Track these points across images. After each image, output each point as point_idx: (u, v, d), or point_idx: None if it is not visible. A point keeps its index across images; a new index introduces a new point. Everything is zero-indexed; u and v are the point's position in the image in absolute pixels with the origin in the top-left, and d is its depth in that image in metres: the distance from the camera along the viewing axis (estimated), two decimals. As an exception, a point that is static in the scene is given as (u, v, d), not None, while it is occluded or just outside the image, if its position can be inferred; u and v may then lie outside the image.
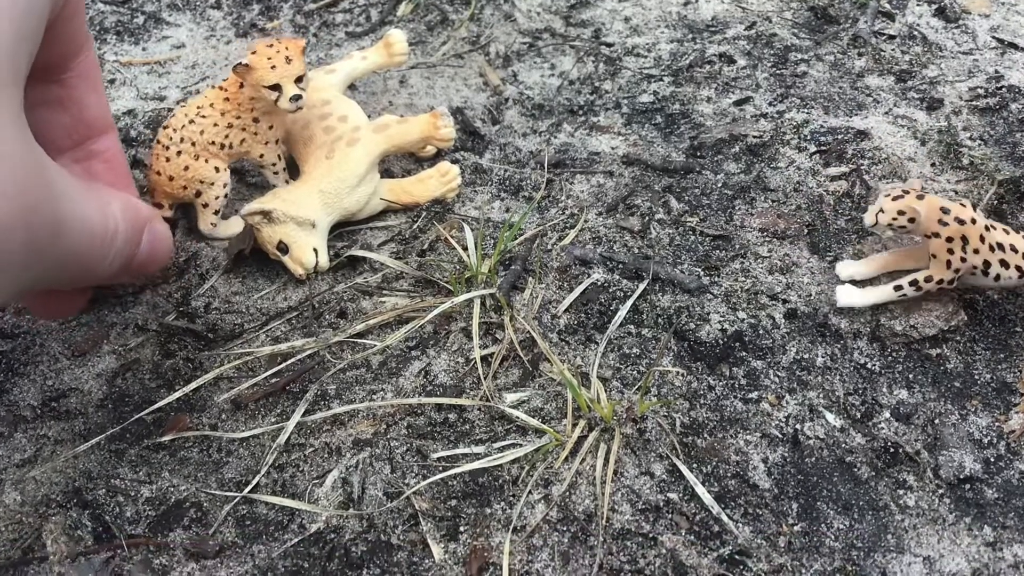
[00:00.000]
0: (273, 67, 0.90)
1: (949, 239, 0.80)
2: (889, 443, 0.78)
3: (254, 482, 0.77)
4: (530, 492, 0.75)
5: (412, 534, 0.73)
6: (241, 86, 0.92)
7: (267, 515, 0.75)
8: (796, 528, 0.73)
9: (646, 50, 1.27)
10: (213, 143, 0.93)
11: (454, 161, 1.06)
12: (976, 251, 0.81)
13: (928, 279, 0.83)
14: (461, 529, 0.73)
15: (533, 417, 0.80)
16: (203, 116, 0.93)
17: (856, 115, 1.10)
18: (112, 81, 1.25)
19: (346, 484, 0.77)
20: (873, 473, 0.77)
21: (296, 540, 0.73)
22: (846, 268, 0.90)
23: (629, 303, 0.89)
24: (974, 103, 1.11)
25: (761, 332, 0.87)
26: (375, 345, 0.87)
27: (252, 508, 0.76)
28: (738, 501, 0.75)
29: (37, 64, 0.65)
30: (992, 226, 0.82)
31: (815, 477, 0.76)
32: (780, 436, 0.79)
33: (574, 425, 0.79)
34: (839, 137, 1.06)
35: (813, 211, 0.98)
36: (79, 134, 0.78)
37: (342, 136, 0.97)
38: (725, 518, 0.73)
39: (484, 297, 0.89)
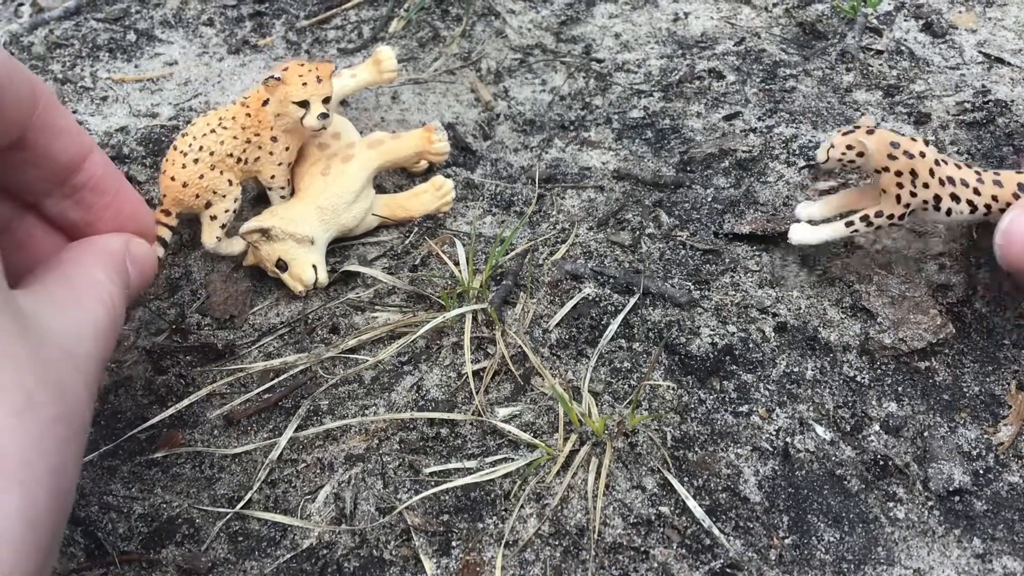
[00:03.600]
0: (304, 84, 0.91)
1: (899, 173, 0.81)
2: (879, 456, 0.79)
3: (246, 498, 0.77)
4: (522, 506, 0.75)
5: (404, 549, 0.73)
6: (264, 103, 0.92)
7: (259, 531, 0.76)
8: (787, 541, 0.73)
9: (636, 66, 1.28)
10: (231, 155, 0.93)
11: (445, 176, 1.06)
12: (926, 185, 0.81)
13: (879, 214, 0.83)
14: (453, 544, 0.73)
15: (525, 431, 0.80)
16: (224, 127, 0.92)
17: (844, 130, 1.11)
18: (105, 98, 1.25)
19: (338, 499, 0.77)
20: (863, 486, 0.77)
21: (288, 556, 0.73)
22: (805, 208, 0.90)
23: (620, 317, 0.89)
24: (961, 117, 1.12)
25: (751, 346, 0.87)
26: (367, 360, 0.87)
27: (244, 524, 0.76)
28: (729, 514, 0.75)
29: None
30: (944, 160, 0.82)
31: (805, 490, 0.77)
32: (771, 449, 0.79)
33: (566, 439, 0.79)
34: (828, 151, 1.07)
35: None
36: (57, 177, 0.74)
37: (337, 153, 0.98)
38: (716, 531, 0.73)
39: (476, 312, 0.89)
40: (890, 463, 0.78)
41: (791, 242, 0.88)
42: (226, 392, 0.86)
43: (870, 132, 0.82)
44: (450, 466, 0.79)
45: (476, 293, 0.91)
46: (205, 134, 0.92)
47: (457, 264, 0.95)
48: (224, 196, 0.94)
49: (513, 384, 0.85)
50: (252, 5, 1.42)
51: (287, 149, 0.96)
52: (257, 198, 1.07)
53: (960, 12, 1.34)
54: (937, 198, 0.82)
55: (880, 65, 1.24)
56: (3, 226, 0.75)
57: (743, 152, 1.09)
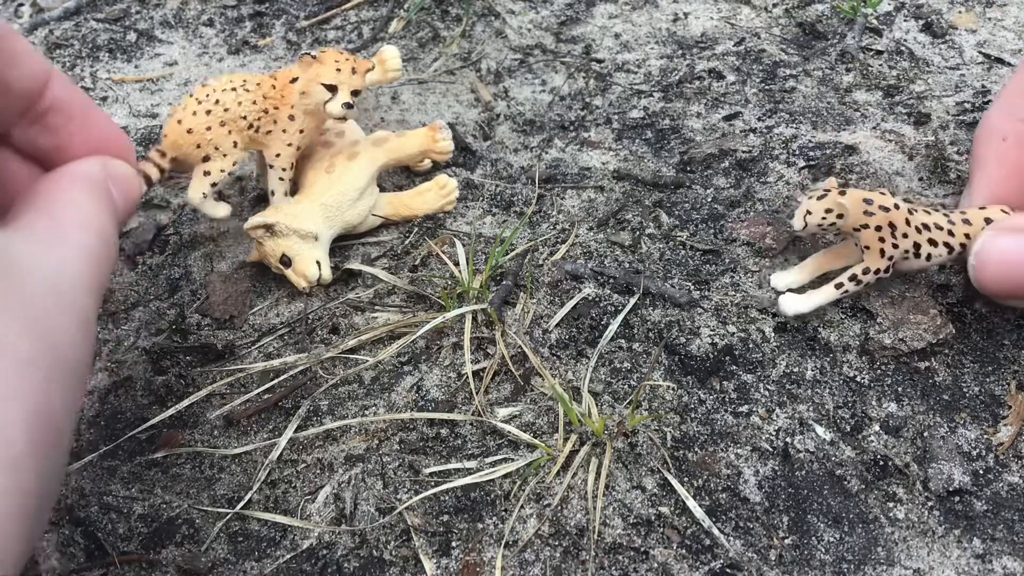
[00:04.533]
0: (338, 69, 0.91)
1: (878, 228, 0.83)
2: (879, 456, 0.79)
3: (246, 498, 0.77)
4: (522, 507, 0.75)
5: (404, 549, 0.73)
6: (292, 80, 0.92)
7: (259, 531, 0.76)
8: (787, 541, 0.73)
9: (636, 66, 1.28)
10: (244, 118, 0.91)
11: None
12: (905, 235, 0.83)
13: (866, 271, 0.85)
14: (453, 544, 0.73)
15: (525, 432, 0.80)
16: (247, 90, 0.91)
17: (844, 130, 1.11)
18: (105, 99, 1.25)
19: (338, 500, 0.77)
20: (863, 486, 0.77)
21: (288, 556, 0.73)
22: (781, 279, 0.91)
23: (620, 317, 0.89)
24: (961, 118, 1.12)
25: (751, 346, 0.87)
26: (367, 360, 0.87)
27: (244, 524, 0.76)
28: (729, 515, 0.75)
29: None
30: (914, 209, 0.85)
31: (805, 490, 0.77)
32: (770, 449, 0.79)
33: (565, 439, 0.79)
34: (827, 152, 1.07)
35: (795, 238, 0.98)
36: (19, 104, 0.71)
37: (341, 150, 0.98)
38: (716, 532, 0.73)
39: (476, 312, 0.89)
40: (890, 463, 0.78)
41: (784, 314, 0.89)
42: (226, 392, 0.86)
43: (842, 192, 0.84)
44: (450, 466, 0.79)
45: (476, 293, 0.91)
46: (225, 90, 0.91)
47: (457, 264, 0.95)
48: (224, 155, 0.92)
49: (513, 384, 0.85)
50: (252, 5, 1.43)
51: (301, 132, 0.95)
52: (257, 199, 1.07)
53: (960, 12, 1.34)
54: (917, 245, 0.84)
55: (880, 65, 1.24)
56: None
57: (743, 152, 1.09)
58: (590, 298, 0.92)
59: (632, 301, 0.91)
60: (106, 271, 0.65)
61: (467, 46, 1.34)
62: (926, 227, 0.84)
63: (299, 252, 0.92)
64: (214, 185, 0.93)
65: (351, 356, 0.88)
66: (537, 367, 0.85)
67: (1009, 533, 0.74)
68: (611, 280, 0.93)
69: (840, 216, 0.83)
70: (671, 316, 0.90)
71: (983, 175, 0.89)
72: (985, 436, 0.80)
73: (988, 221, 0.85)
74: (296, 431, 0.82)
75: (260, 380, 0.87)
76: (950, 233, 0.85)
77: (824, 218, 0.84)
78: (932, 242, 0.84)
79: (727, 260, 0.95)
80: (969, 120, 1.11)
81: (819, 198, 0.84)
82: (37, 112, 0.73)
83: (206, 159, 0.91)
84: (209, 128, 0.90)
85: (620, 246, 0.98)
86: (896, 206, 0.83)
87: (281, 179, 0.98)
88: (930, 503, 0.76)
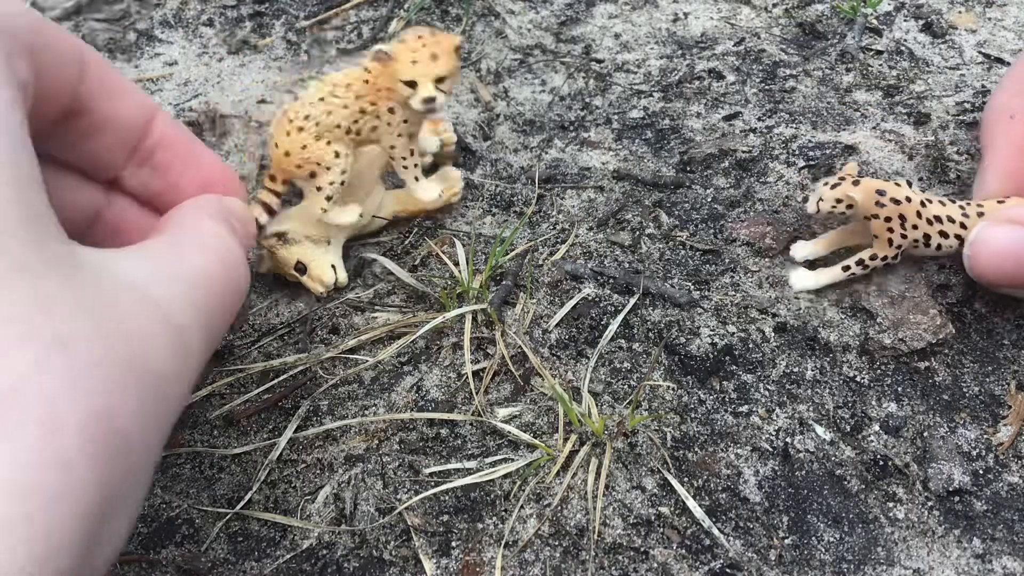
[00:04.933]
0: (414, 62, 0.85)
1: (888, 219, 0.85)
2: (878, 456, 0.79)
3: (246, 498, 0.77)
4: (522, 507, 0.75)
5: (404, 550, 0.73)
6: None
7: (259, 531, 0.76)
8: (787, 541, 0.73)
9: (636, 66, 1.28)
10: (339, 126, 0.87)
11: (446, 177, 1.06)
12: (915, 227, 0.85)
13: (873, 257, 0.88)
14: (453, 544, 0.73)
15: (525, 432, 0.80)
16: (335, 96, 0.87)
17: (844, 130, 1.11)
18: (105, 98, 1.25)
19: (338, 500, 0.77)
20: (863, 486, 0.77)
21: (288, 556, 0.73)
22: (801, 249, 0.93)
23: (620, 318, 0.89)
24: (961, 118, 1.12)
25: (751, 346, 0.87)
26: (367, 360, 0.87)
27: (244, 524, 0.76)
28: (729, 515, 0.75)
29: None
30: (928, 200, 0.86)
31: (805, 490, 0.77)
32: (770, 449, 0.79)
33: (565, 439, 0.79)
34: (827, 152, 1.07)
35: (802, 225, 0.99)
36: (126, 142, 0.72)
37: None
38: (716, 532, 0.73)
39: (475, 312, 0.89)
40: (890, 463, 0.78)
41: (793, 289, 0.92)
42: (226, 392, 0.86)
43: (856, 183, 0.85)
44: (450, 466, 0.79)
45: (476, 293, 0.91)
46: (313, 102, 0.87)
47: (457, 264, 0.95)
48: (330, 168, 0.88)
49: (513, 384, 0.85)
50: (252, 5, 1.42)
51: (406, 122, 0.90)
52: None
53: (960, 12, 1.34)
54: (927, 237, 0.86)
55: (880, 65, 1.24)
56: (94, 213, 0.74)
57: (743, 152, 1.09)
58: (590, 298, 0.92)
59: (632, 301, 0.91)
60: (227, 296, 0.64)
61: (467, 46, 1.34)
62: (938, 219, 0.86)
63: (313, 258, 0.92)
64: (329, 198, 0.90)
65: (351, 356, 0.88)
66: (537, 367, 0.85)
67: (1009, 533, 0.74)
68: (611, 280, 0.93)
69: (850, 206, 0.85)
70: (671, 316, 0.90)
71: (993, 154, 0.90)
72: (985, 436, 0.80)
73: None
74: (296, 431, 0.82)
75: (260, 380, 0.87)
76: (962, 226, 0.86)
77: (835, 206, 0.86)
78: (943, 234, 0.86)
79: (727, 260, 0.95)
80: (969, 120, 1.11)
81: (833, 186, 0.86)
82: (145, 151, 0.73)
83: (313, 175, 0.89)
84: (304, 147, 0.87)
85: (620, 246, 0.98)
86: (908, 199, 0.84)
87: (406, 167, 0.94)
88: (930, 503, 0.76)
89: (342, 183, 0.90)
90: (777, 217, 0.99)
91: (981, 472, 0.78)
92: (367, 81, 0.87)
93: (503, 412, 0.82)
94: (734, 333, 0.88)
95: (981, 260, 0.84)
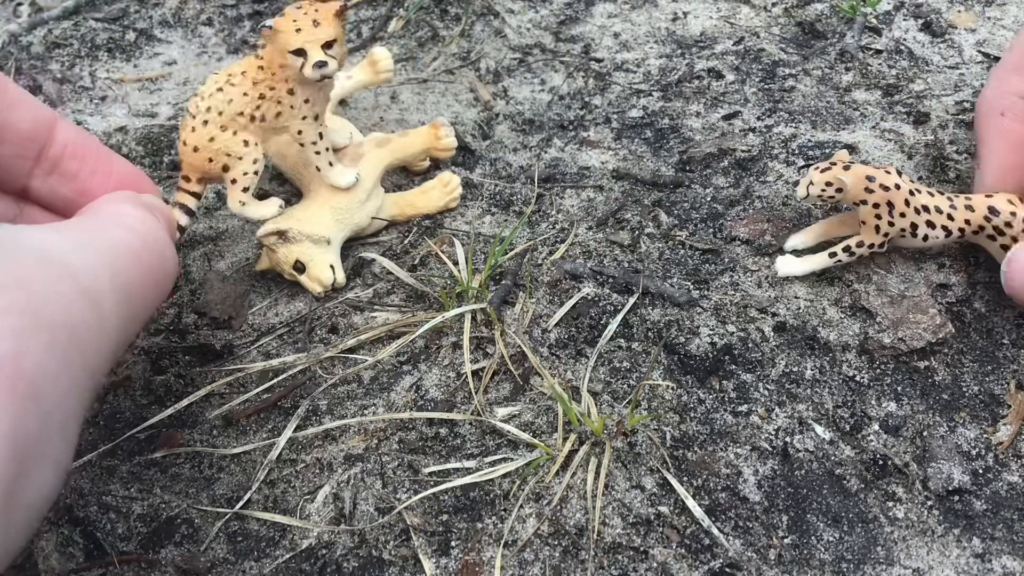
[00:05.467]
0: (298, 30, 0.84)
1: (876, 205, 0.86)
2: (878, 455, 0.79)
3: (245, 498, 0.77)
4: (521, 506, 0.75)
5: (404, 549, 0.73)
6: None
7: (258, 531, 0.76)
8: (786, 541, 0.73)
9: (635, 65, 1.28)
10: (241, 114, 0.87)
11: (445, 176, 1.06)
12: (903, 215, 0.86)
13: (860, 244, 0.89)
14: (452, 544, 0.73)
15: (524, 431, 0.80)
16: (232, 84, 0.87)
17: (844, 129, 1.11)
18: (104, 98, 1.25)
19: (337, 499, 0.77)
20: (862, 485, 0.77)
21: (288, 556, 0.73)
22: (791, 239, 0.94)
23: (619, 317, 0.89)
24: (960, 117, 1.12)
25: (750, 345, 0.87)
26: (366, 360, 0.87)
27: (243, 524, 0.76)
28: (728, 514, 0.75)
29: None
30: (916, 190, 0.87)
31: (805, 490, 0.77)
32: (770, 449, 0.79)
33: (565, 439, 0.79)
34: (827, 151, 1.07)
35: (801, 224, 0.99)
36: (29, 151, 0.72)
37: (346, 153, 0.97)
38: (716, 531, 0.73)
39: (475, 312, 0.89)
40: (889, 463, 0.78)
41: (779, 275, 0.92)
42: (225, 392, 0.86)
43: (846, 168, 0.86)
44: (449, 466, 0.79)
45: (475, 293, 0.91)
46: (212, 93, 0.87)
47: (456, 264, 0.95)
48: (241, 158, 0.88)
49: (512, 384, 0.85)
50: (251, 5, 1.42)
51: (307, 101, 0.89)
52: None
53: (959, 11, 1.34)
54: (914, 226, 0.87)
55: (879, 64, 1.24)
56: (9, 223, 0.74)
57: (742, 151, 1.09)
58: (589, 297, 0.91)
59: (631, 300, 0.91)
60: (150, 272, 0.64)
61: (466, 45, 1.34)
62: (926, 209, 0.87)
63: (312, 257, 0.92)
64: (246, 190, 0.89)
65: (350, 356, 0.88)
66: (536, 367, 0.84)
67: (1008, 532, 0.74)
68: (610, 279, 0.93)
69: (839, 190, 0.86)
70: (670, 315, 0.90)
71: (988, 151, 0.91)
72: (984, 435, 0.80)
73: (992, 209, 0.87)
74: (295, 431, 0.82)
75: (259, 380, 0.87)
76: (950, 217, 0.87)
77: (824, 190, 0.87)
78: (930, 224, 0.87)
79: (726, 259, 0.95)
80: (968, 119, 1.11)
81: (823, 170, 0.87)
82: (51, 160, 0.74)
83: (226, 168, 0.88)
84: (212, 139, 0.87)
85: (619, 245, 0.97)
86: (897, 186, 0.86)
87: (318, 152, 0.93)
88: (929, 502, 0.76)
89: (256, 172, 0.89)
90: (776, 214, 0.99)
91: (981, 471, 0.78)
92: (261, 67, 0.87)
93: (502, 412, 0.82)
94: (733, 332, 0.88)
95: (1017, 278, 0.85)
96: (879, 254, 0.93)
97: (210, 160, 0.87)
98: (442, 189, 1.03)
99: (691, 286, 0.93)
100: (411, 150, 1.02)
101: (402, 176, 1.09)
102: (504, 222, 1.02)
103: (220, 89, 0.87)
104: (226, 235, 1.03)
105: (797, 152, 1.08)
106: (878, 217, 0.86)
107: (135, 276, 0.62)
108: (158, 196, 0.80)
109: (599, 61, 1.30)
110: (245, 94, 0.87)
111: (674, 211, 1.02)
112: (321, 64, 0.85)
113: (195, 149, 0.87)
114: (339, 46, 0.86)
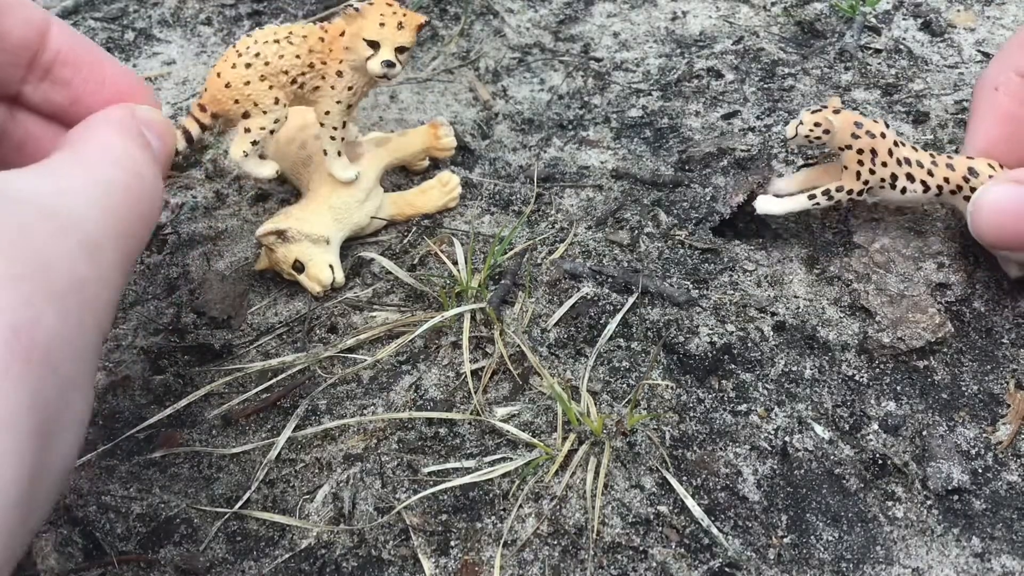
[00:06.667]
0: (382, 24, 0.85)
1: (860, 151, 0.87)
2: (877, 455, 0.79)
3: (244, 498, 0.77)
4: (521, 506, 0.75)
5: (403, 549, 0.73)
6: (341, 35, 0.87)
7: (258, 531, 0.75)
8: (786, 540, 0.73)
9: (635, 65, 1.28)
10: (286, 72, 0.86)
11: (444, 176, 1.06)
12: (884, 164, 0.88)
13: (839, 189, 0.90)
14: (452, 544, 0.73)
15: (523, 431, 0.80)
16: (291, 43, 0.86)
17: (843, 128, 1.11)
18: (103, 97, 1.25)
19: (337, 499, 0.77)
20: (862, 485, 0.77)
21: (287, 556, 0.73)
22: (774, 184, 0.97)
23: (619, 317, 0.89)
24: (960, 116, 1.12)
25: (750, 345, 0.87)
26: (366, 360, 0.87)
27: (243, 524, 0.76)
28: (728, 513, 0.75)
29: None
30: (901, 143, 0.89)
31: (804, 489, 0.77)
32: (769, 448, 0.79)
33: (564, 439, 0.79)
34: (826, 151, 1.07)
35: (800, 223, 0.99)
36: (21, 57, 0.70)
37: (345, 152, 0.97)
38: (715, 531, 0.73)
39: (474, 311, 0.89)
40: (889, 462, 0.78)
41: (757, 212, 0.94)
42: (224, 392, 0.86)
43: (837, 111, 0.88)
44: (448, 466, 0.79)
45: (475, 292, 0.91)
46: (267, 41, 0.85)
47: (456, 263, 0.95)
48: (265, 112, 0.86)
49: (512, 384, 0.85)
50: (250, 4, 1.42)
51: (350, 89, 0.89)
52: (255, 198, 1.07)
53: (958, 11, 1.34)
54: (894, 176, 0.88)
55: (879, 64, 1.24)
56: None
57: (742, 151, 1.09)
58: (589, 297, 0.91)
59: (631, 300, 0.91)
60: (142, 208, 0.62)
61: (465, 45, 1.34)
62: (907, 162, 0.88)
63: (311, 257, 0.92)
64: (255, 143, 0.88)
65: (349, 355, 0.88)
66: (536, 366, 0.84)
67: (1008, 532, 0.74)
68: (610, 279, 0.93)
69: (827, 132, 0.88)
70: (670, 315, 0.90)
71: (976, 122, 0.93)
72: (984, 435, 0.80)
73: (971, 170, 0.88)
74: (294, 431, 0.82)
75: (258, 379, 0.87)
76: (929, 173, 0.88)
77: (812, 131, 0.89)
78: (910, 177, 0.88)
79: (726, 259, 0.95)
80: (968, 119, 1.11)
81: (814, 111, 0.89)
82: (43, 65, 0.71)
83: (246, 115, 0.87)
84: (248, 83, 0.85)
85: (619, 245, 0.97)
86: (883, 135, 0.87)
87: (333, 138, 0.92)
88: (929, 502, 0.76)
89: (271, 132, 0.88)
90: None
91: (980, 471, 0.78)
92: (321, 39, 0.87)
93: (502, 411, 0.82)
94: (733, 332, 0.88)
95: (982, 217, 0.85)
96: (879, 254, 0.93)
97: (236, 101, 0.86)
98: (441, 189, 1.03)
99: (690, 285, 0.93)
100: (410, 150, 1.02)
101: (401, 176, 1.09)
102: (503, 222, 1.02)
103: (277, 41, 0.85)
104: (225, 235, 1.03)
105: (796, 151, 1.08)
106: (860, 163, 0.88)
107: (131, 219, 0.60)
108: (157, 106, 0.77)
109: (598, 60, 1.30)
110: (298, 56, 0.86)
111: (673, 210, 1.02)
112: (390, 64, 0.86)
113: (227, 85, 0.85)
114: (407, 55, 0.88)
